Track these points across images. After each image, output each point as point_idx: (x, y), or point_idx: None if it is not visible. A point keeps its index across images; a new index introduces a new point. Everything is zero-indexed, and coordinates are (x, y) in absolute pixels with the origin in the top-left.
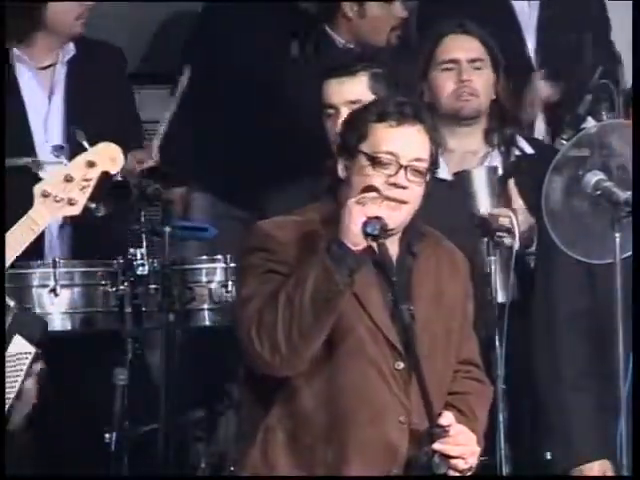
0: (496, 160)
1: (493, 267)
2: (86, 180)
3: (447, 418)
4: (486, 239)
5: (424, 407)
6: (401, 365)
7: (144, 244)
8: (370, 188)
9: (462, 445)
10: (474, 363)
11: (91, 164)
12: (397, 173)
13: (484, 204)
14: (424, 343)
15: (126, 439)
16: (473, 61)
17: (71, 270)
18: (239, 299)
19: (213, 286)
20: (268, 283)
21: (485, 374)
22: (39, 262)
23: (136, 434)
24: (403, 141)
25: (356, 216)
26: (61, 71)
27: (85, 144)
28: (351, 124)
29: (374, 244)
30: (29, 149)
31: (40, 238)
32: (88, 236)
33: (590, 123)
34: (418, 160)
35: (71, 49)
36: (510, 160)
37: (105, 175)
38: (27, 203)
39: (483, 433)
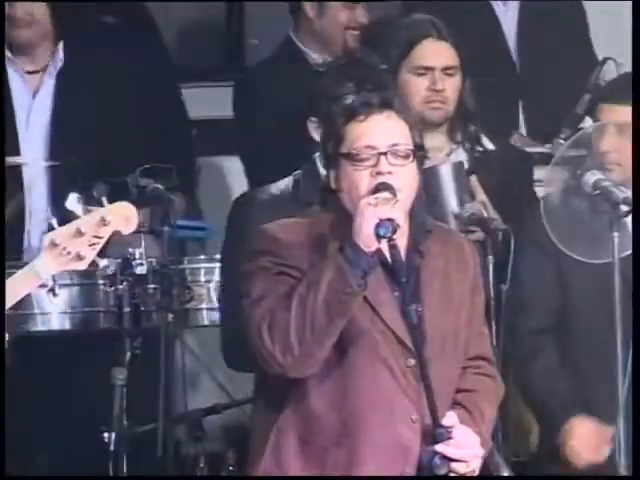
0: (461, 156)
1: (491, 267)
2: (97, 237)
3: (451, 419)
4: (482, 239)
5: (428, 406)
6: (412, 362)
7: (142, 244)
8: (382, 187)
9: (464, 448)
10: (485, 358)
11: (105, 222)
12: (378, 162)
13: (452, 199)
14: (434, 342)
15: (125, 439)
16: (447, 69)
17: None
18: (249, 300)
19: (212, 286)
20: (279, 284)
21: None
22: None
23: (135, 434)
24: (375, 131)
25: (369, 218)
26: (49, 75)
27: (104, 200)
28: (325, 133)
29: (386, 245)
30: (15, 148)
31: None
32: None
33: (588, 123)
34: (395, 145)
35: (60, 57)
36: (474, 156)
37: (117, 234)
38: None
39: (491, 431)
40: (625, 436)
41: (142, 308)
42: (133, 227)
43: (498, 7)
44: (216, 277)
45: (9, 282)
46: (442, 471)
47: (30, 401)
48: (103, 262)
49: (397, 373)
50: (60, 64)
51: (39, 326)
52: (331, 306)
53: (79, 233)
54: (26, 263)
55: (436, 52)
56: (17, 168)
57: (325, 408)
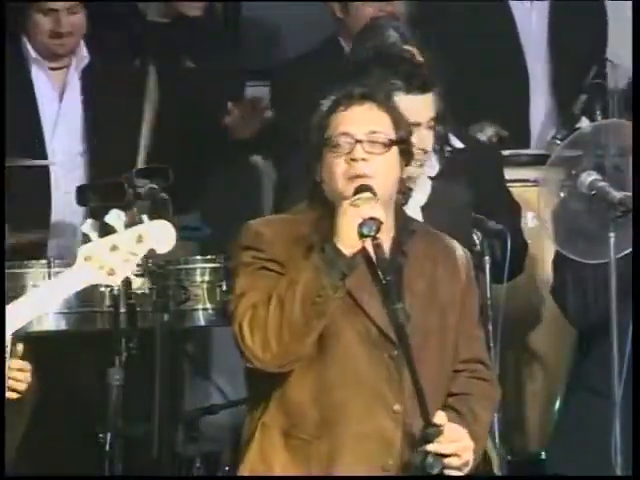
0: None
1: (487, 266)
2: (132, 254)
3: (440, 417)
4: (480, 239)
5: (419, 406)
6: (395, 353)
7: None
8: (362, 188)
9: (455, 442)
10: (481, 361)
11: (141, 239)
12: (354, 149)
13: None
14: (416, 341)
15: (121, 439)
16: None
17: (65, 270)
18: (234, 295)
19: (207, 286)
20: (261, 280)
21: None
22: (34, 262)
23: (131, 434)
24: (353, 119)
25: (351, 218)
26: (74, 74)
27: (144, 217)
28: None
29: (370, 245)
30: (40, 149)
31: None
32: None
33: (584, 123)
34: (373, 133)
35: (85, 55)
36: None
37: (151, 252)
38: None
39: (486, 433)
40: (622, 436)
41: (138, 308)
42: (169, 247)
43: (523, 6)
44: (212, 277)
45: (39, 291)
46: (435, 470)
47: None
48: (137, 281)
49: (379, 364)
50: (86, 61)
51: (35, 326)
52: (308, 308)
53: (114, 248)
54: (43, 263)
55: None
56: (45, 169)
57: (307, 401)
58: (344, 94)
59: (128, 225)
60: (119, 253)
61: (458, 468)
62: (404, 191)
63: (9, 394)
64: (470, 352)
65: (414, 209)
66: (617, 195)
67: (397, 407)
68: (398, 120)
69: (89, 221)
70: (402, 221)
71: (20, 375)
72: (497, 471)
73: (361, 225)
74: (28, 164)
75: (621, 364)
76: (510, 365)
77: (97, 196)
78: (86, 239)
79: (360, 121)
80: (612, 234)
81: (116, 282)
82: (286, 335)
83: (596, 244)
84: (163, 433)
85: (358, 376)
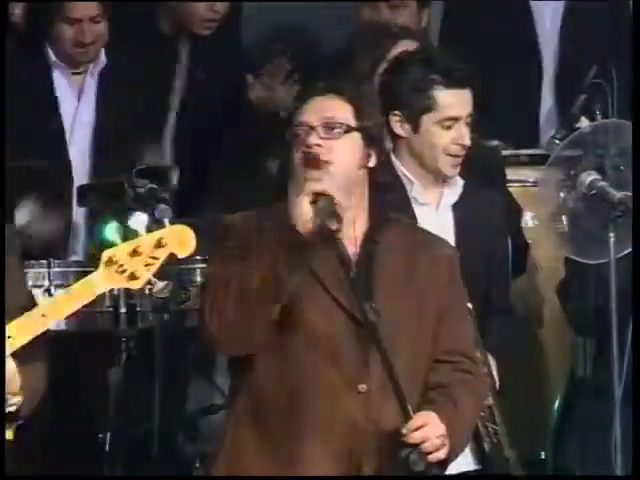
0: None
1: None
2: (153, 258)
3: (419, 420)
4: None
5: (397, 400)
6: (362, 333)
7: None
8: (312, 163)
9: (421, 428)
10: (466, 354)
11: (161, 244)
12: (309, 135)
13: None
14: (385, 328)
15: (121, 439)
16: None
17: (65, 270)
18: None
19: None
20: (224, 266)
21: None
22: (33, 262)
23: (131, 434)
24: (310, 109)
25: (301, 194)
26: (92, 76)
27: (166, 221)
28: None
29: (335, 228)
30: (61, 150)
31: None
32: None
33: (584, 123)
34: (329, 119)
35: (103, 59)
36: None
37: (172, 256)
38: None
39: (470, 426)
40: (622, 436)
41: (138, 309)
42: (189, 251)
43: (538, 5)
44: None
45: (64, 294)
46: (420, 467)
47: None
48: (159, 284)
49: (344, 346)
50: (102, 65)
51: None
52: (263, 290)
53: (136, 252)
54: (43, 263)
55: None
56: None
57: (273, 385)
58: (308, 88)
59: (150, 229)
60: (140, 257)
61: (432, 453)
62: (381, 182)
63: None
64: (454, 345)
65: (445, 207)
66: (617, 195)
67: (362, 387)
68: (363, 109)
69: (112, 224)
70: (378, 212)
71: None
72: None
73: (314, 201)
74: (27, 164)
75: (621, 364)
76: (510, 365)
77: (97, 196)
78: (108, 243)
79: (317, 110)
80: (612, 234)
81: (137, 286)
82: (242, 318)
83: (596, 244)
84: (163, 433)
85: (323, 358)
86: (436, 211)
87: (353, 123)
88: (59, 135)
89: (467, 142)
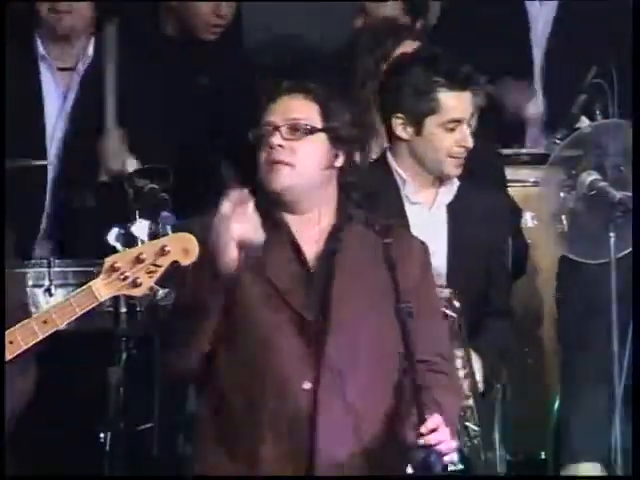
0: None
1: None
2: (156, 265)
3: (432, 422)
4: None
5: (415, 404)
6: (310, 331)
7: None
8: (272, 164)
9: (435, 430)
10: (440, 354)
11: (165, 251)
12: (272, 135)
13: None
14: (338, 332)
15: (121, 439)
16: None
17: (65, 269)
18: None
19: None
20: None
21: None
22: (33, 262)
23: (131, 434)
24: (277, 109)
25: (228, 241)
26: (78, 73)
27: (168, 229)
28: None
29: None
30: (43, 149)
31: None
32: (82, 235)
33: (584, 123)
34: (293, 120)
35: (90, 53)
36: None
37: (175, 263)
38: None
39: (454, 427)
40: (622, 436)
41: (138, 309)
42: (192, 259)
43: (533, 6)
44: None
45: (65, 301)
46: (439, 469)
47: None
48: (162, 291)
49: (290, 343)
50: (88, 60)
51: None
52: (198, 287)
53: (139, 260)
54: (43, 263)
55: None
56: (44, 168)
57: (230, 385)
58: (275, 88)
59: (152, 236)
60: (143, 265)
61: (447, 454)
62: (351, 181)
63: None
64: (427, 344)
65: (439, 207)
66: (617, 195)
67: (307, 386)
68: (331, 110)
69: (114, 230)
70: (343, 211)
71: None
72: (499, 471)
73: (240, 246)
74: (27, 164)
75: (621, 364)
76: (511, 365)
77: (97, 196)
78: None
79: (282, 110)
80: (612, 234)
81: (139, 293)
82: (184, 315)
83: (596, 244)
84: (163, 433)
85: (271, 357)
86: (429, 210)
87: (319, 123)
88: (41, 133)
89: (470, 144)
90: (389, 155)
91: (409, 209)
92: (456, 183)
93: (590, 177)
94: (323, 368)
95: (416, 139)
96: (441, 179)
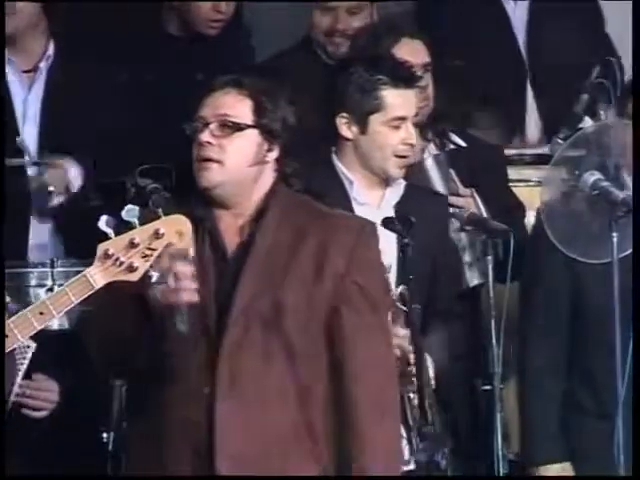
0: (433, 152)
1: (490, 266)
2: (150, 249)
3: None
4: (483, 238)
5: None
6: (212, 333)
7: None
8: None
9: None
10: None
11: (159, 234)
12: (202, 132)
13: (441, 190)
14: (241, 323)
15: (124, 439)
16: (425, 65)
17: (69, 269)
18: None
19: None
20: None
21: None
22: (36, 261)
23: (134, 434)
24: (209, 104)
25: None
26: (40, 73)
27: (159, 211)
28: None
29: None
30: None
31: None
32: (84, 235)
33: (587, 123)
34: (224, 115)
35: (50, 53)
36: (446, 151)
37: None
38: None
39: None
40: (624, 436)
41: None
42: (186, 240)
43: (508, 5)
44: None
45: (61, 291)
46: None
47: None
48: (156, 274)
49: (196, 346)
50: (50, 61)
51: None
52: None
53: (133, 244)
54: (46, 263)
55: (410, 51)
56: (22, 168)
57: (149, 386)
58: (211, 83)
59: (143, 221)
60: (137, 249)
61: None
62: (287, 172)
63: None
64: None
65: (386, 207)
66: (620, 195)
67: (206, 389)
68: (263, 106)
69: (104, 217)
70: (275, 197)
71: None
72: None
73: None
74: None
75: (623, 363)
76: (511, 365)
77: (98, 195)
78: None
79: (214, 105)
80: (615, 234)
81: (135, 278)
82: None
83: (598, 244)
84: None
85: (180, 357)
86: (377, 210)
87: (250, 119)
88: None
89: (415, 142)
90: (334, 157)
91: (357, 209)
92: (402, 183)
93: (593, 177)
94: (220, 372)
95: (361, 138)
96: (389, 182)
